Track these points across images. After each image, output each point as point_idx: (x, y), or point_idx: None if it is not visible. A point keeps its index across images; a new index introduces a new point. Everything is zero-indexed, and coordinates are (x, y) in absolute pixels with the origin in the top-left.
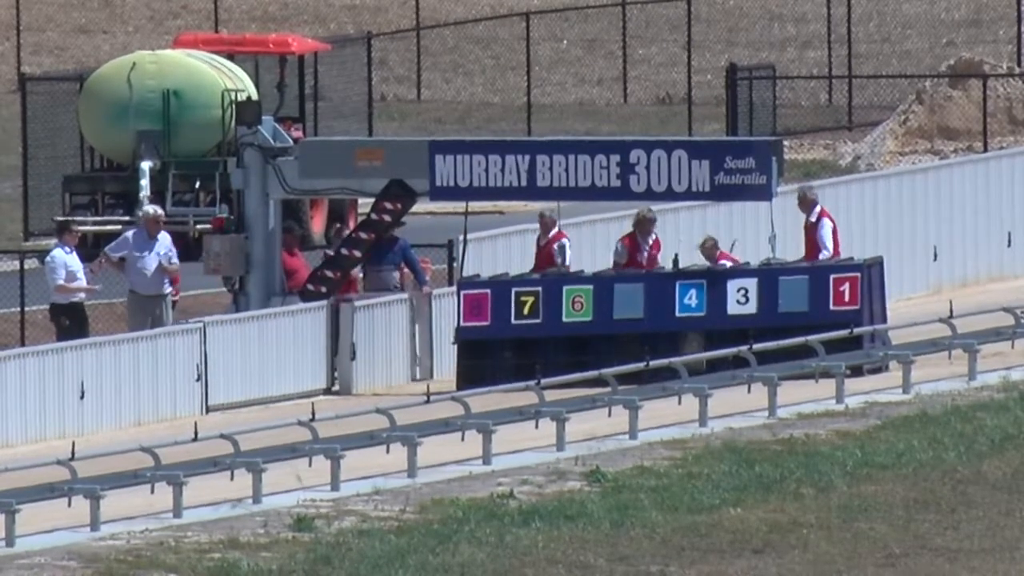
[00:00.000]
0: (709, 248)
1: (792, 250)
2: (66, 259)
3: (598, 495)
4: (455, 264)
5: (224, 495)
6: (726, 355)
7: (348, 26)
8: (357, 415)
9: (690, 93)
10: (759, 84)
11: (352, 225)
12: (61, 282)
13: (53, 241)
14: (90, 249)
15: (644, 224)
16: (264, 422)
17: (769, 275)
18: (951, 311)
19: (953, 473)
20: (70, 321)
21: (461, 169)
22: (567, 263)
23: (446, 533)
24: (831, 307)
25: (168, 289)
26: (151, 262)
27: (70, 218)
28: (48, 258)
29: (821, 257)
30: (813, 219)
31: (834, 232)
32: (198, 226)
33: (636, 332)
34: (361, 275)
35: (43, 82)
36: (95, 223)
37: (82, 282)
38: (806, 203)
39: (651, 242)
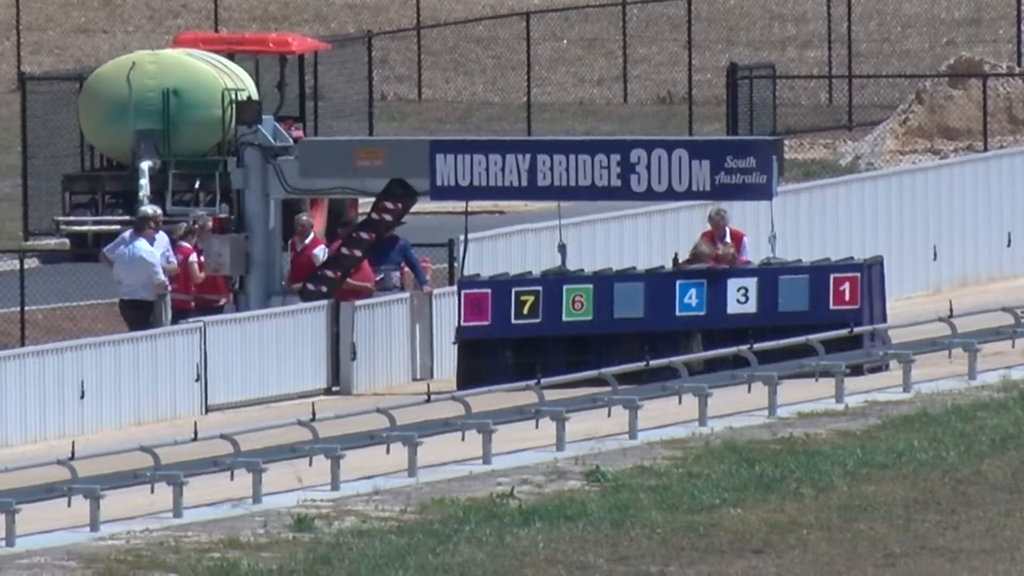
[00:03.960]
0: (716, 221)
1: (793, 250)
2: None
3: (598, 495)
4: (455, 264)
5: (224, 495)
6: (726, 354)
7: (348, 25)
8: (357, 415)
9: (690, 92)
10: (759, 83)
11: None
12: (163, 278)
13: (56, 240)
14: (90, 248)
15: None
16: (264, 422)
17: (769, 274)
18: (951, 310)
19: (953, 473)
20: (144, 317)
21: (462, 169)
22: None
23: (446, 533)
24: (831, 306)
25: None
26: None
27: (153, 209)
28: (147, 252)
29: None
30: (728, 239)
31: None
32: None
33: (636, 331)
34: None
35: (43, 81)
36: (95, 222)
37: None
38: (718, 226)
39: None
